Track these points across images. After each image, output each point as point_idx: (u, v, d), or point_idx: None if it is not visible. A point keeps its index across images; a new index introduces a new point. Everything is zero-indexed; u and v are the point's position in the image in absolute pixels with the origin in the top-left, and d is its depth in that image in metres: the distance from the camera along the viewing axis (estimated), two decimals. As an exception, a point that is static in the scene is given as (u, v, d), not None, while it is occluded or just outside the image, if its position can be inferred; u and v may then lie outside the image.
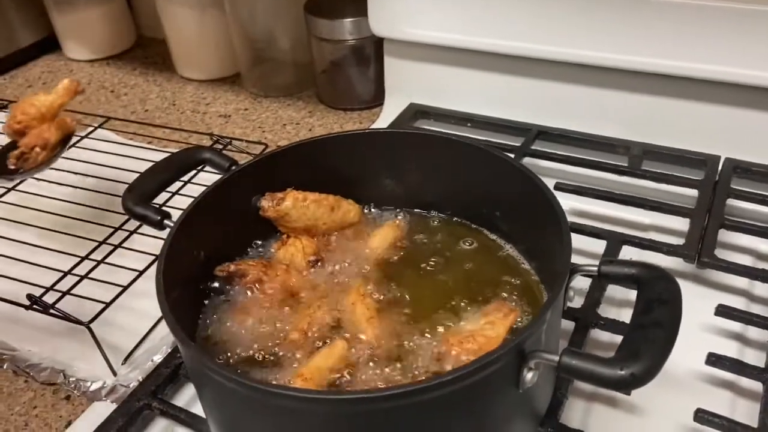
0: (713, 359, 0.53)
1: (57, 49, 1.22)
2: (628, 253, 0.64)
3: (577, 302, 0.53)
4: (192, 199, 0.53)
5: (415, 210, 0.62)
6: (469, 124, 0.85)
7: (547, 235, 0.49)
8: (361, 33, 0.91)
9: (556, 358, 0.37)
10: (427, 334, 0.49)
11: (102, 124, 0.87)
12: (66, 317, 0.56)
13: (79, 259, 0.63)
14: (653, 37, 0.72)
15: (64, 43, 1.20)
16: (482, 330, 0.43)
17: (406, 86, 0.91)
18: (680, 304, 0.38)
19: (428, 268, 0.56)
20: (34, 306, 0.58)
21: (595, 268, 0.43)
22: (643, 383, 0.35)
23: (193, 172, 0.68)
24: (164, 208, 0.55)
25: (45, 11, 1.17)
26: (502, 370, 0.38)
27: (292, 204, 0.57)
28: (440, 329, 0.49)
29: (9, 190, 0.76)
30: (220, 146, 0.78)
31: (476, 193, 0.58)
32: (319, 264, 0.57)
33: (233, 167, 0.57)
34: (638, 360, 0.35)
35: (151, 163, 0.74)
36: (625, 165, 0.74)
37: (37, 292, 0.59)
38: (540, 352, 0.38)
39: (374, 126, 0.92)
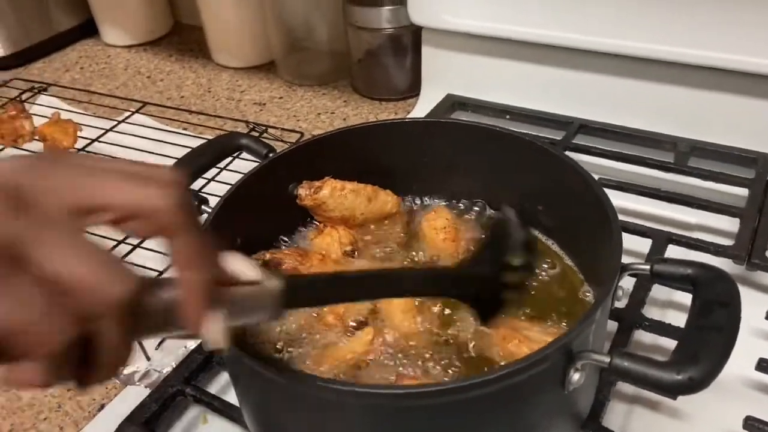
0: (764, 365, 0.51)
1: (95, 34, 1.23)
2: (673, 252, 0.62)
3: (620, 302, 0.52)
4: (228, 186, 0.52)
5: (453, 201, 0.61)
6: (507, 117, 0.83)
7: (594, 231, 0.47)
8: (399, 22, 0.90)
9: (607, 359, 0.35)
10: (461, 328, 0.48)
11: (139, 110, 0.87)
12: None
13: (115, 242, 0.63)
14: (703, 28, 0.69)
15: (101, 28, 1.20)
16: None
17: (444, 77, 0.89)
18: (739, 306, 0.37)
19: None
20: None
21: (647, 267, 0.41)
22: (701, 388, 0.33)
23: (229, 159, 0.67)
24: (198, 190, 0.55)
25: (84, -4, 1.18)
26: (549, 370, 0.36)
27: (330, 193, 0.56)
28: (471, 328, 0.48)
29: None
30: (256, 133, 0.77)
31: (519, 186, 0.56)
32: (355, 254, 0.56)
33: (270, 154, 0.57)
34: (696, 364, 0.33)
35: (187, 149, 0.75)
36: (671, 161, 0.71)
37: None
38: (589, 353, 0.37)
39: (410, 116, 0.91)
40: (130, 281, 0.26)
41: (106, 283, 0.25)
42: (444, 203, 0.61)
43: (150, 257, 0.59)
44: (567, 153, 0.74)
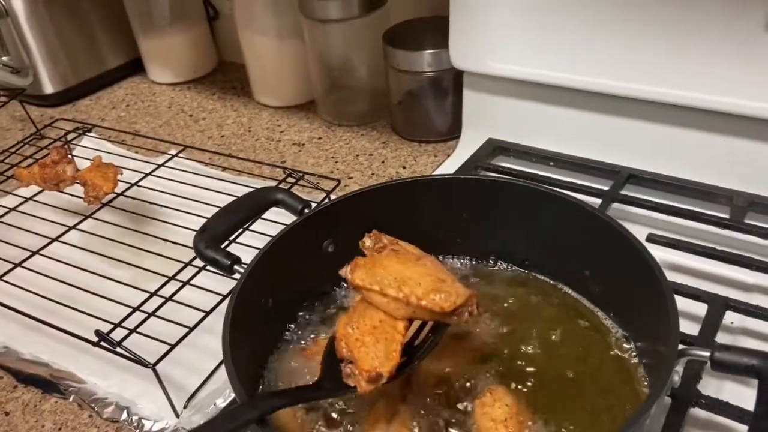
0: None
1: (141, 71, 1.25)
2: (730, 318, 0.58)
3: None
4: (259, 235, 0.51)
5: (495, 261, 0.58)
6: (551, 164, 0.80)
7: (648, 308, 0.44)
8: (440, 65, 0.88)
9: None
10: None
11: (178, 153, 0.88)
12: (132, 358, 0.55)
13: (148, 294, 0.63)
14: (762, 78, 0.65)
15: (148, 67, 1.23)
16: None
17: (485, 120, 0.87)
18: (813, 407, 0.33)
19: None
20: (101, 343, 0.57)
21: (707, 354, 0.38)
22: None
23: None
24: (230, 241, 0.54)
25: (132, 35, 1.20)
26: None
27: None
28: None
29: (86, 217, 0.77)
30: (293, 180, 0.77)
31: (564, 249, 0.53)
32: None
33: (306, 210, 0.55)
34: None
35: (224, 195, 0.74)
36: (727, 217, 0.67)
37: (104, 326, 0.59)
38: (642, 453, 0.33)
39: (450, 160, 0.89)
40: None
41: None
42: (480, 262, 0.58)
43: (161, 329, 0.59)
44: (615, 204, 0.72)
